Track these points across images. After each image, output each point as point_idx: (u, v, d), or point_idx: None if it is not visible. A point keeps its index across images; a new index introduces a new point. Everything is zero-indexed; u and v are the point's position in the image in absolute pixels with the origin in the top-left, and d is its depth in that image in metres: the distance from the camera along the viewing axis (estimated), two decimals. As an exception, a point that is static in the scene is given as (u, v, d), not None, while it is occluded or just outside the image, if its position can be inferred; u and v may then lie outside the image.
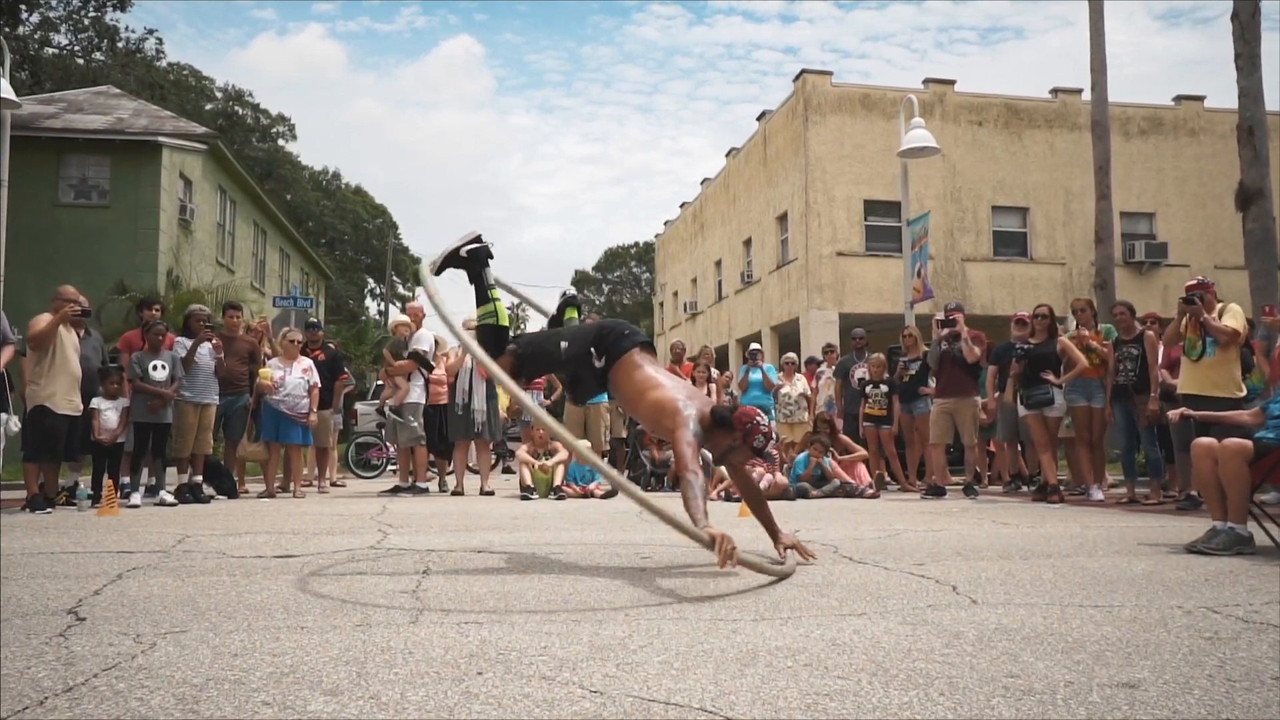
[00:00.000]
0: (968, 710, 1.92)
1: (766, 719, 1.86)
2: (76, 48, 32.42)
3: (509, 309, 4.69)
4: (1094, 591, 3.34)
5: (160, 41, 35.91)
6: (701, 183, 30.49)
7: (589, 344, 4.07)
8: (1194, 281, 7.00)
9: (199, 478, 8.01)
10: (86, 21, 32.17)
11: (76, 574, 3.68)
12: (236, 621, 2.78)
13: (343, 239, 51.24)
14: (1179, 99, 22.61)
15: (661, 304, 36.13)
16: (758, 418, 3.84)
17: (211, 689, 2.05)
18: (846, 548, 4.63)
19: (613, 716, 1.86)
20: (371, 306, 54.21)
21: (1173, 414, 5.20)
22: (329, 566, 3.93)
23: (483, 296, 4.26)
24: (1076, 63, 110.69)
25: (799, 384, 11.45)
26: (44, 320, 6.95)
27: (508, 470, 13.93)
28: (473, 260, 4.27)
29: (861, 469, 9.32)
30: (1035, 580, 3.59)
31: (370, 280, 54.88)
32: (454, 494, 9.17)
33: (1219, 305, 6.84)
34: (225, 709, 1.91)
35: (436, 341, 9.67)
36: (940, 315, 9.33)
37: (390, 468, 12.21)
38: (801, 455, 9.18)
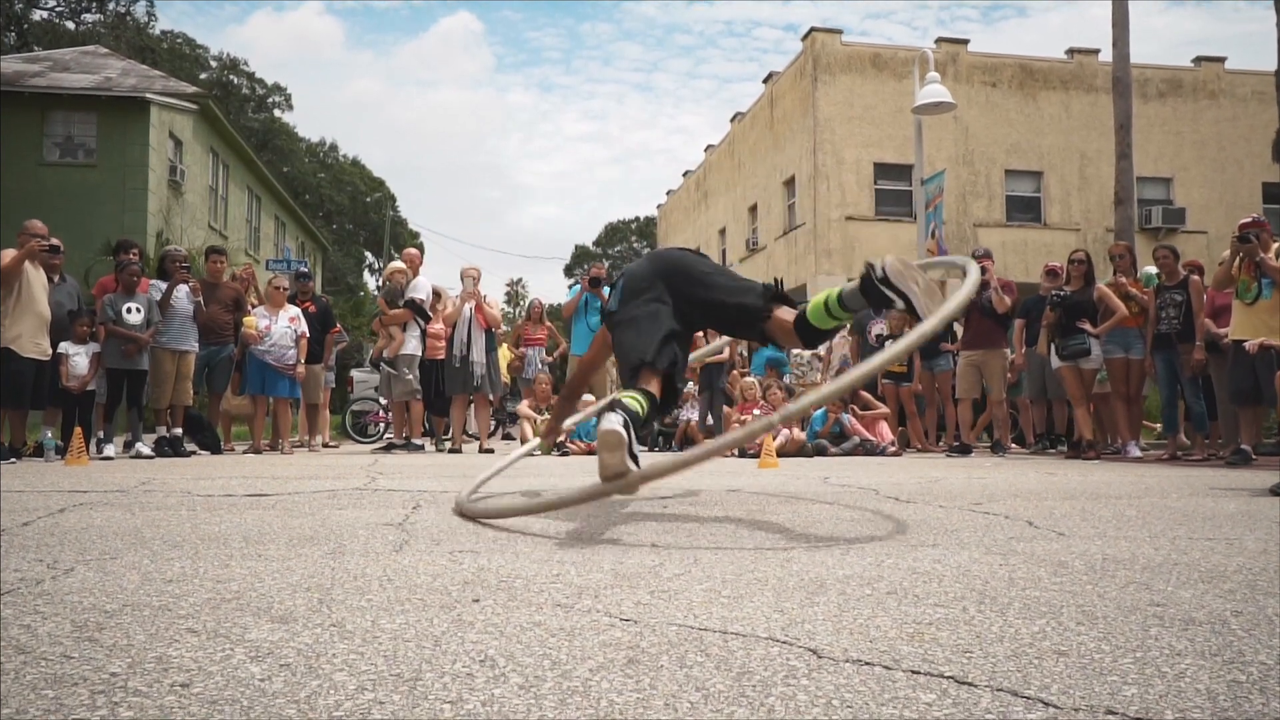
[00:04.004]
0: (1123, 640, 1.43)
1: (864, 649, 1.37)
2: (65, 9, 31.60)
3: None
4: (1195, 526, 2.86)
5: (151, 4, 35.08)
6: (705, 149, 29.80)
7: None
8: (1248, 219, 6.48)
9: (178, 430, 7.51)
10: (76, -17, 31.38)
11: (10, 509, 3.19)
12: (183, 550, 2.29)
13: (340, 212, 50.39)
14: (1199, 60, 21.93)
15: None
16: None
17: (125, 615, 1.57)
18: (888, 490, 4.14)
19: (655, 647, 1.38)
20: (370, 281, 53.45)
21: (1250, 344, 4.68)
22: (306, 504, 3.44)
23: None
24: (1077, 41, 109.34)
25: (812, 343, 10.94)
26: (8, 255, 6.41)
27: (508, 437, 13.44)
28: None
29: (883, 426, 8.83)
30: (1119, 517, 3.11)
31: (368, 254, 54.08)
32: (451, 451, 8.69)
33: (1275, 244, 6.33)
34: (136, 637, 1.43)
35: (436, 292, 9.14)
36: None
37: (388, 434, 11.67)
38: (819, 411, 8.67)
